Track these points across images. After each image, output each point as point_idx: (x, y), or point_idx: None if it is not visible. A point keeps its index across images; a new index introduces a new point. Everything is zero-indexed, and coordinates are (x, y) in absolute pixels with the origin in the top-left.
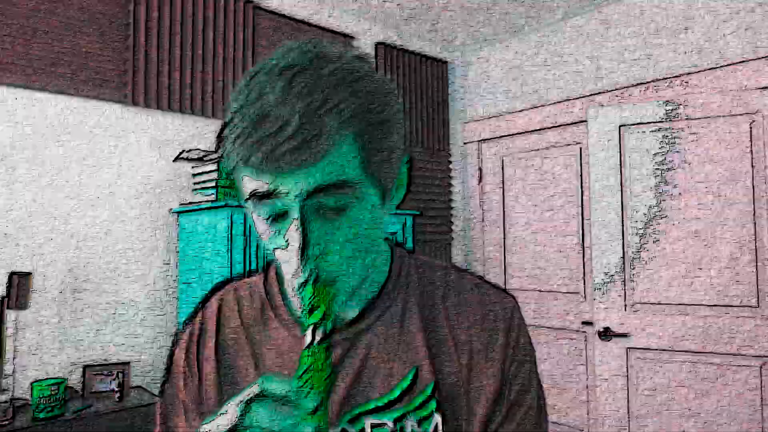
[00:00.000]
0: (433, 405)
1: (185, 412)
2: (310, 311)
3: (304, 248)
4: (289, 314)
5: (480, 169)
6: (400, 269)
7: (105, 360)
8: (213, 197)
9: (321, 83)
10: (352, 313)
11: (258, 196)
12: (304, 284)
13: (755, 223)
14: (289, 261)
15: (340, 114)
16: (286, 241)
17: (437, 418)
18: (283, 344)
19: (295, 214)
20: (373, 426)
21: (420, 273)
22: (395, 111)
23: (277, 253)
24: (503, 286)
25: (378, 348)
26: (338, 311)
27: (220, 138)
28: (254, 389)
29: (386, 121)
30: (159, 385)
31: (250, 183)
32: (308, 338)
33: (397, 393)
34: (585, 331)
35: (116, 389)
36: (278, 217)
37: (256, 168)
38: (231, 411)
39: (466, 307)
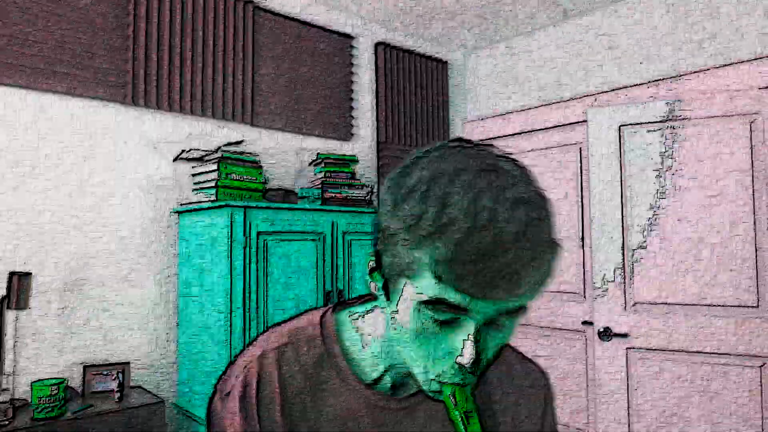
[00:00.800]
0: None
1: None
2: (455, 403)
3: (476, 362)
4: (349, 370)
5: None
6: None
7: (105, 360)
8: (213, 197)
9: (546, 226)
10: (414, 385)
11: (445, 305)
12: (458, 387)
13: (755, 223)
14: (440, 362)
15: (552, 265)
16: (454, 345)
17: None
18: (342, 400)
19: (475, 330)
20: None
21: None
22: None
23: (424, 351)
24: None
25: (433, 421)
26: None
27: (390, 232)
28: None
29: (557, 262)
30: (159, 385)
31: (436, 290)
32: (461, 426)
33: None
34: (585, 331)
35: (116, 389)
36: (448, 323)
37: (464, 290)
38: None
39: (512, 378)
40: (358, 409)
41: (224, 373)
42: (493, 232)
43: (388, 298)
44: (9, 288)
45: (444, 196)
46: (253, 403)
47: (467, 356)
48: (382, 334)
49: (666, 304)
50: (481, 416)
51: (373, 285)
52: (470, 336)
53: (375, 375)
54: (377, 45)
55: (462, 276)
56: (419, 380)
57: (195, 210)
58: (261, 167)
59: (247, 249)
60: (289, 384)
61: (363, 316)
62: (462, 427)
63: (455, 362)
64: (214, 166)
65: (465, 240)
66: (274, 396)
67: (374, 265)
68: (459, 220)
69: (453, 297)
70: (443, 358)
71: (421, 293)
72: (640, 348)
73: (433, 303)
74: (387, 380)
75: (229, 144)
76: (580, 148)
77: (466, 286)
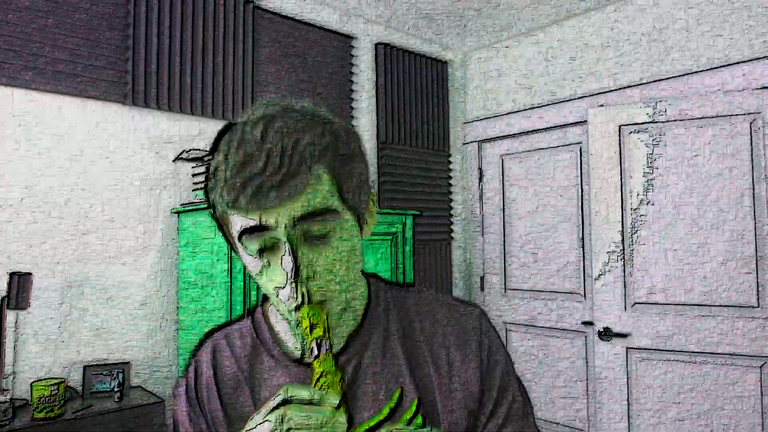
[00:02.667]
0: (419, 419)
1: None
2: (311, 329)
3: (296, 272)
4: (279, 350)
5: (480, 169)
6: (378, 299)
7: (105, 360)
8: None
9: (292, 126)
10: (337, 345)
11: (248, 232)
12: (299, 306)
13: (755, 223)
14: (282, 288)
15: (312, 149)
16: (279, 269)
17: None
18: (275, 378)
19: (284, 242)
20: None
21: (395, 301)
22: (359, 149)
23: (269, 284)
24: (503, 288)
25: (364, 375)
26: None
27: (206, 191)
28: (278, 398)
29: (353, 156)
30: (159, 385)
31: (239, 221)
32: (315, 351)
33: (386, 412)
34: (585, 331)
35: (116, 389)
36: (267, 251)
37: (244, 208)
38: (263, 418)
39: (440, 326)
40: (287, 379)
41: None
42: (244, 146)
43: (234, 250)
44: (9, 288)
45: (217, 141)
46: (193, 395)
47: (286, 267)
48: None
49: (666, 304)
50: (330, 335)
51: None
52: (285, 249)
53: (297, 347)
54: (377, 45)
55: (237, 196)
56: (289, 321)
57: (195, 210)
58: None
59: None
60: (223, 374)
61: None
62: (315, 352)
63: (286, 281)
64: None
65: (223, 165)
66: (210, 386)
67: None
68: (220, 155)
69: (245, 220)
70: (280, 284)
71: (234, 229)
72: (640, 348)
73: (241, 234)
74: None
75: None
76: (580, 148)
77: (243, 203)
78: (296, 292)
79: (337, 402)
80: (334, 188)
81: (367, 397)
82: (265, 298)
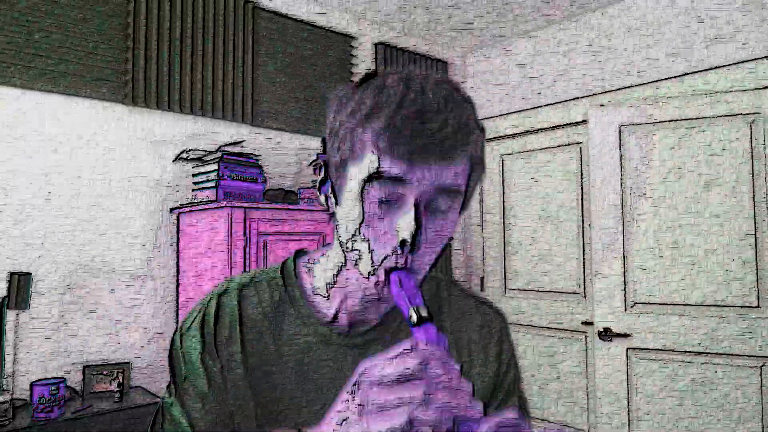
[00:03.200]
0: None
1: (203, 401)
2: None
3: (415, 235)
4: (308, 310)
5: None
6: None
7: (105, 360)
8: (213, 197)
9: (465, 104)
10: (375, 320)
11: (386, 179)
12: (403, 270)
13: (756, 223)
14: (384, 245)
15: (474, 130)
16: (395, 226)
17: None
18: (300, 336)
19: (413, 203)
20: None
21: (428, 287)
22: (485, 142)
23: (371, 240)
24: (503, 288)
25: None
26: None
27: (336, 124)
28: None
29: (484, 148)
30: (159, 385)
31: (383, 165)
32: (413, 318)
33: None
34: (585, 331)
35: (116, 389)
36: (390, 203)
37: (401, 156)
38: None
39: (466, 318)
40: (315, 345)
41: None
42: (422, 102)
43: (336, 203)
44: (9, 288)
45: (380, 86)
46: (212, 332)
47: (405, 231)
48: (334, 272)
49: (666, 304)
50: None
51: (322, 197)
52: (410, 212)
53: (331, 312)
54: (377, 45)
55: (397, 143)
56: (367, 272)
57: (195, 210)
58: (261, 167)
59: (247, 249)
60: (248, 319)
61: (320, 259)
62: (406, 304)
63: (398, 240)
64: (214, 166)
65: (398, 111)
66: (234, 328)
67: (322, 176)
68: (392, 97)
69: (391, 166)
70: (386, 240)
71: (366, 169)
72: (641, 348)
73: (375, 177)
74: (343, 318)
75: (229, 144)
76: (580, 148)
77: (401, 153)
78: (401, 256)
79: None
80: (468, 173)
81: None
82: (297, 255)
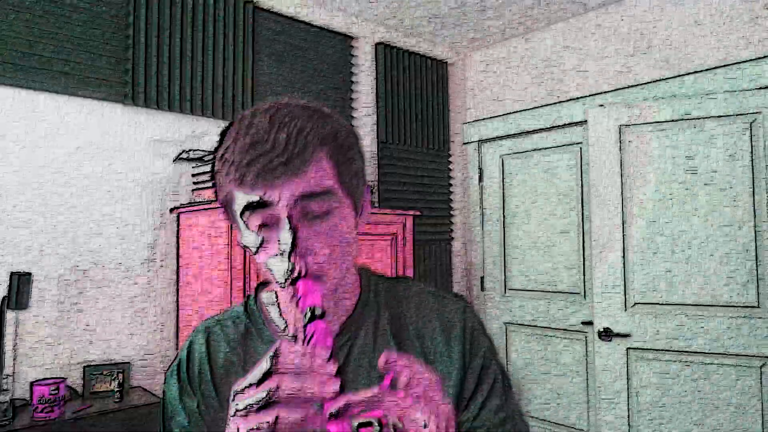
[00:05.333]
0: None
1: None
2: (305, 299)
3: (294, 245)
4: (271, 336)
5: (480, 169)
6: (369, 287)
7: (105, 360)
8: (213, 197)
9: (297, 115)
10: (334, 329)
11: (251, 208)
12: (296, 278)
13: (755, 223)
14: (281, 262)
15: (315, 135)
16: (278, 244)
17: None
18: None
19: (285, 218)
20: (360, 425)
21: (387, 289)
22: (356, 142)
23: (267, 260)
24: (503, 288)
25: (356, 360)
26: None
27: (213, 178)
28: (268, 357)
29: (351, 146)
30: (159, 385)
31: (243, 198)
32: (308, 316)
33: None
34: (585, 331)
35: (116, 389)
36: (268, 227)
37: (251, 185)
38: (255, 385)
39: (426, 314)
40: None
41: None
42: (250, 132)
43: (237, 228)
44: (9, 288)
45: (224, 130)
46: (185, 372)
47: (285, 241)
48: (276, 293)
49: (666, 304)
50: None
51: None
52: (284, 224)
53: (291, 330)
54: (377, 45)
55: (244, 174)
56: (281, 298)
57: (195, 210)
58: None
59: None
60: (216, 357)
61: (273, 287)
62: (308, 316)
63: (284, 256)
64: None
65: (234, 145)
66: (203, 367)
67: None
68: (229, 140)
69: (249, 196)
70: (278, 256)
71: (238, 206)
72: (641, 348)
73: (244, 210)
74: (300, 334)
75: None
76: (580, 148)
77: (250, 180)
78: (294, 266)
79: (329, 355)
80: (333, 172)
81: (358, 382)
82: (258, 288)
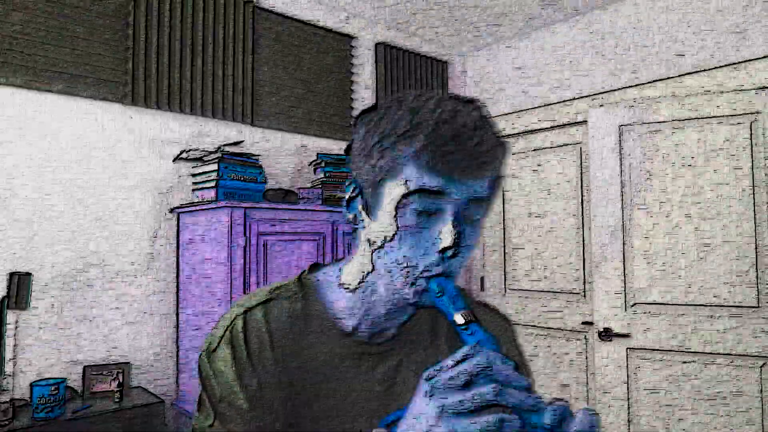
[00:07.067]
0: None
1: (244, 418)
2: (453, 301)
3: (456, 245)
4: (330, 323)
5: None
6: None
7: (105, 360)
8: (213, 197)
9: (494, 124)
10: (393, 330)
11: (425, 193)
12: (444, 276)
13: (755, 223)
14: (426, 254)
15: (502, 149)
16: (436, 236)
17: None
18: (324, 346)
19: (452, 215)
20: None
21: None
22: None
23: (408, 249)
24: (503, 288)
25: (407, 363)
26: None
27: (379, 141)
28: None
29: (507, 161)
30: (159, 385)
31: (420, 180)
32: (460, 320)
33: None
34: (585, 331)
35: (116, 389)
36: (428, 215)
37: (442, 171)
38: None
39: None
40: (337, 357)
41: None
42: (459, 122)
43: (369, 216)
44: (9, 288)
45: (414, 106)
46: (243, 348)
47: (448, 239)
48: (357, 284)
49: (666, 304)
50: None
51: (351, 215)
52: (450, 221)
53: (352, 324)
54: (377, 45)
55: (437, 160)
56: (404, 289)
57: (195, 210)
58: (261, 167)
59: (247, 249)
60: (276, 331)
61: (338, 272)
62: (452, 308)
63: (439, 250)
64: (214, 166)
65: (436, 131)
66: (263, 341)
67: (353, 194)
68: (429, 117)
69: (431, 182)
70: (427, 251)
71: (404, 185)
72: (641, 348)
73: (416, 192)
74: (363, 329)
75: (229, 144)
76: (580, 148)
77: (441, 169)
78: (443, 264)
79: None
80: (494, 183)
81: (408, 385)
82: (312, 268)
